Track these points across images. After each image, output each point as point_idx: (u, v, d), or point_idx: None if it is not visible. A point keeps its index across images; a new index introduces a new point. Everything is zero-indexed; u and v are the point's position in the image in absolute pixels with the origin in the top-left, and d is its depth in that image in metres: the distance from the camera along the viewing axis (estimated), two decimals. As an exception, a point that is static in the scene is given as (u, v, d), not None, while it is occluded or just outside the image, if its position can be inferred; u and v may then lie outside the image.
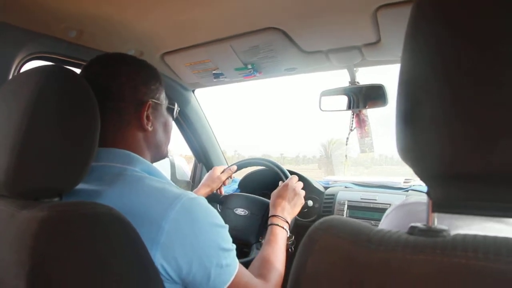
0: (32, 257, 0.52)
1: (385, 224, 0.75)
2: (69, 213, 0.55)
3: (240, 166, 1.55)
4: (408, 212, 0.71)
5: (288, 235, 1.13)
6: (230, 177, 1.52)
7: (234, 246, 0.78)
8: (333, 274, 0.42)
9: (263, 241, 1.40)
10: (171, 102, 0.95)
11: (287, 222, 1.15)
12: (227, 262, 0.74)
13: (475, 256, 0.36)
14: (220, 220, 0.76)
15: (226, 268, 0.73)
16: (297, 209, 1.24)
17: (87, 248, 0.55)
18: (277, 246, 1.04)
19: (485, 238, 0.38)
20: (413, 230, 0.43)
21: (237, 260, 0.78)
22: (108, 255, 0.56)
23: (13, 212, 0.59)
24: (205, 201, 0.75)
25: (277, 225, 1.12)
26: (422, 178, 0.44)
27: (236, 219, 1.44)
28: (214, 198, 1.51)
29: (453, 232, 0.42)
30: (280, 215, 1.16)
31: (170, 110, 0.94)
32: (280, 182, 1.35)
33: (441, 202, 0.42)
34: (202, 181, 1.48)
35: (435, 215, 0.43)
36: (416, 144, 0.40)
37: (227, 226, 0.77)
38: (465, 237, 0.39)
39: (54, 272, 0.52)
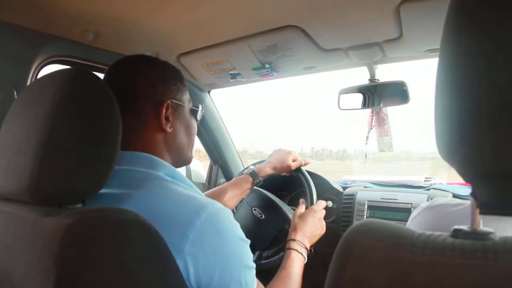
0: (58, 265, 0.51)
1: (413, 226, 0.73)
2: (95, 220, 0.54)
3: None
4: (437, 214, 0.68)
5: (305, 262, 1.09)
6: None
7: (255, 265, 0.76)
8: (376, 279, 0.40)
9: (265, 254, 1.38)
10: (195, 104, 0.92)
11: (306, 248, 1.11)
12: (247, 281, 0.72)
13: None
14: (243, 235, 0.74)
15: (246, 286, 0.71)
16: (317, 239, 1.19)
17: (113, 255, 0.53)
18: (294, 272, 1.01)
19: None
20: (457, 233, 0.40)
21: (256, 280, 0.76)
22: (134, 263, 0.55)
23: (36, 219, 0.58)
24: (231, 213, 0.73)
25: (296, 250, 1.08)
26: (466, 179, 0.41)
27: (251, 219, 1.41)
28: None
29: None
30: (300, 240, 1.11)
31: (193, 112, 0.91)
32: (301, 201, 1.29)
33: (487, 203, 0.40)
34: (270, 158, 1.37)
35: (481, 217, 0.41)
36: (461, 143, 0.38)
37: (249, 241, 0.75)
38: None
39: (81, 280, 0.51)
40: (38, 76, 1.12)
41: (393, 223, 0.46)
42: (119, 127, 0.66)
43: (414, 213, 0.75)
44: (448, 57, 0.39)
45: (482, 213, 0.40)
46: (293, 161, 1.35)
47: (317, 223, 1.19)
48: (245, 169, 1.44)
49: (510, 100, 0.34)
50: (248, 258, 0.74)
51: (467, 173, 0.40)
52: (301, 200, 1.29)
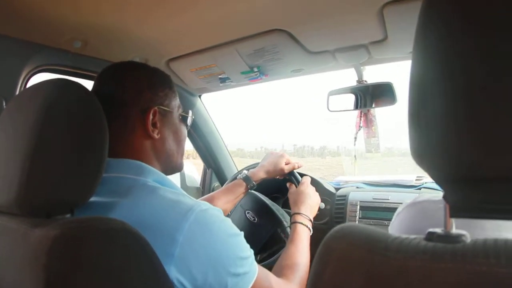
0: (47, 276, 0.51)
1: (396, 223, 0.73)
2: (82, 230, 0.54)
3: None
4: (419, 210, 0.69)
5: (311, 233, 1.11)
6: None
7: (252, 251, 0.76)
8: (352, 283, 0.41)
9: (257, 258, 1.38)
10: (185, 110, 0.92)
11: (310, 220, 1.14)
12: (245, 270, 0.72)
13: (497, 262, 0.35)
14: (235, 229, 0.74)
15: (244, 275, 0.72)
16: (316, 208, 1.23)
17: (102, 265, 0.54)
18: (301, 245, 1.02)
19: (507, 242, 0.36)
20: (431, 236, 0.41)
21: (256, 265, 0.75)
22: (124, 272, 0.55)
23: (25, 230, 0.58)
24: (219, 211, 0.74)
25: (301, 223, 1.10)
26: (438, 182, 0.42)
27: (244, 222, 1.41)
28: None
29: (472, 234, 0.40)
30: (303, 213, 1.14)
31: (183, 118, 0.91)
32: (288, 184, 1.33)
33: (458, 206, 0.41)
34: (263, 161, 1.37)
35: (453, 220, 0.42)
36: (431, 147, 0.39)
37: (242, 233, 0.75)
38: (485, 242, 0.37)
39: (69, 290, 0.52)
40: (27, 86, 1.13)
41: (370, 227, 0.46)
42: (106, 136, 0.67)
43: (398, 209, 0.75)
44: (418, 60, 0.40)
45: (452, 216, 0.41)
46: (286, 164, 1.36)
47: (312, 194, 1.23)
48: (238, 173, 1.45)
49: (476, 105, 0.35)
50: (242, 249, 0.73)
51: (438, 177, 0.41)
52: (288, 184, 1.32)
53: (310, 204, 1.19)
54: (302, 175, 1.50)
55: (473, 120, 0.35)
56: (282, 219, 1.38)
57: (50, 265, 0.52)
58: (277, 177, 1.39)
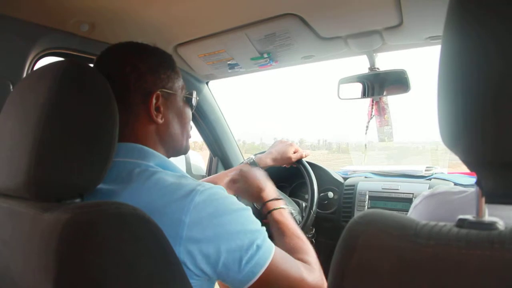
0: (59, 261, 0.50)
1: (414, 214, 0.72)
2: (93, 214, 0.53)
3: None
4: (439, 202, 0.68)
5: (288, 210, 1.02)
6: None
7: (264, 228, 0.73)
8: (381, 270, 0.40)
9: None
10: (189, 91, 0.89)
11: (279, 199, 1.03)
12: (258, 244, 0.69)
13: None
14: (240, 204, 0.72)
15: (258, 250, 0.68)
16: (270, 185, 1.09)
17: (113, 249, 0.53)
18: (294, 229, 0.93)
19: None
20: (462, 223, 0.40)
21: (270, 243, 0.72)
22: (135, 256, 0.54)
23: (35, 215, 0.57)
24: (223, 190, 0.72)
25: (275, 209, 0.99)
26: (471, 167, 0.41)
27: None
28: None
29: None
30: (267, 198, 1.03)
31: (187, 100, 0.88)
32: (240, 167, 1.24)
33: (493, 192, 0.39)
34: (271, 148, 1.35)
35: (486, 206, 0.40)
36: (465, 131, 0.37)
37: (249, 208, 0.73)
38: None
39: (82, 275, 0.51)
40: (34, 69, 1.11)
41: (395, 213, 0.45)
42: (115, 119, 0.65)
43: (416, 201, 0.74)
44: (452, 44, 0.38)
45: (488, 202, 0.40)
46: (294, 153, 1.34)
47: (258, 171, 1.14)
48: (246, 159, 1.43)
49: None
50: (251, 223, 0.71)
51: (472, 162, 0.39)
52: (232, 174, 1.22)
53: (266, 184, 1.07)
54: (310, 164, 1.49)
55: (510, 102, 0.34)
56: (286, 207, 1.36)
57: (62, 249, 0.51)
58: (284, 165, 1.38)
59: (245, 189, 1.12)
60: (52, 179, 0.58)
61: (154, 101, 0.78)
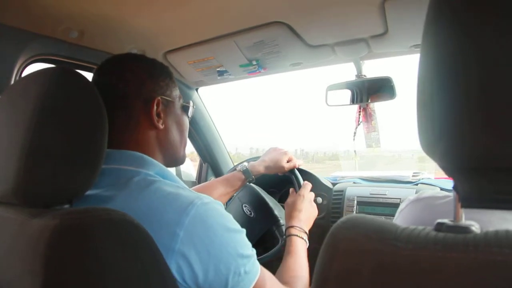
0: (46, 266, 0.50)
1: (400, 219, 0.73)
2: (83, 220, 0.53)
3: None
4: (424, 206, 0.69)
5: (307, 245, 1.10)
6: None
7: (254, 251, 0.75)
8: (362, 274, 0.40)
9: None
10: (186, 100, 0.91)
11: (306, 233, 1.12)
12: (246, 269, 0.70)
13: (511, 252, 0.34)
14: (236, 225, 0.73)
15: (245, 275, 0.70)
16: (312, 221, 1.20)
17: (103, 255, 0.53)
18: (300, 257, 1.02)
19: None
20: (440, 227, 0.41)
21: (258, 266, 0.74)
22: (125, 262, 0.54)
23: (23, 220, 0.57)
24: (220, 206, 0.72)
25: (297, 235, 1.09)
26: (448, 173, 0.42)
27: (240, 215, 1.39)
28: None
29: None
30: (298, 226, 1.12)
31: (184, 108, 0.90)
32: (291, 190, 1.29)
33: (469, 197, 0.40)
34: (264, 156, 1.34)
35: (463, 211, 0.41)
36: (443, 136, 0.38)
37: (244, 230, 0.74)
38: (497, 233, 0.37)
39: (70, 281, 0.51)
40: (22, 75, 1.11)
41: (378, 217, 0.46)
42: (105, 125, 0.66)
43: (401, 205, 0.75)
44: (429, 51, 0.40)
45: (463, 206, 0.41)
46: (287, 161, 1.32)
47: (309, 206, 1.20)
48: (238, 164, 1.42)
49: (489, 94, 0.35)
50: (244, 247, 0.72)
51: (448, 167, 0.41)
52: (291, 190, 1.29)
53: (305, 218, 1.16)
54: (302, 171, 1.48)
55: (487, 109, 0.35)
56: (278, 217, 1.36)
57: (50, 255, 0.50)
58: (277, 173, 1.37)
59: (294, 204, 1.19)
60: (41, 185, 0.58)
61: (155, 106, 0.79)
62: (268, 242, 1.35)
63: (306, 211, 1.18)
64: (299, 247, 1.05)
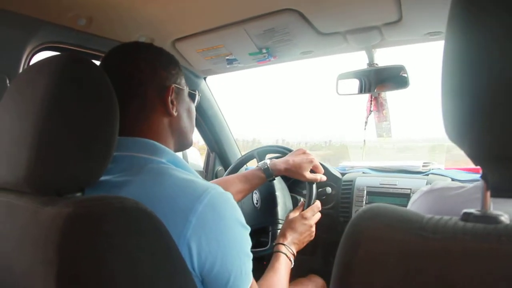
0: (60, 255, 0.50)
1: (413, 210, 0.72)
2: (95, 208, 0.53)
3: (265, 152, 1.45)
4: (437, 197, 0.68)
5: (292, 266, 1.09)
6: None
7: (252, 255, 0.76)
8: (387, 264, 0.40)
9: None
10: (192, 88, 0.93)
11: (293, 254, 1.11)
12: (246, 271, 0.72)
13: None
14: (244, 220, 0.74)
15: (245, 276, 0.72)
16: (304, 245, 1.17)
17: (116, 243, 0.52)
18: (282, 276, 1.02)
19: None
20: (467, 217, 0.40)
21: (250, 273, 0.75)
22: (137, 251, 0.54)
23: (35, 209, 0.57)
24: (232, 198, 0.73)
25: (285, 255, 1.08)
26: (476, 161, 0.41)
27: (248, 202, 1.39)
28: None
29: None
30: (288, 245, 1.11)
31: (191, 96, 0.92)
32: (300, 203, 1.25)
33: (499, 186, 0.39)
34: (289, 156, 1.24)
35: (491, 200, 0.40)
36: (472, 125, 0.37)
37: (249, 228, 0.75)
38: None
39: (82, 269, 0.50)
40: (31, 64, 1.10)
41: (399, 207, 0.45)
42: (116, 112, 0.65)
43: (414, 196, 0.74)
44: (455, 41, 0.38)
45: (493, 195, 0.40)
46: (311, 171, 1.23)
47: (306, 231, 1.17)
48: (260, 163, 1.31)
49: None
50: (248, 245, 0.74)
51: (478, 155, 0.39)
52: (301, 202, 1.26)
53: (298, 241, 1.15)
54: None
55: None
56: (279, 220, 1.34)
57: (64, 243, 0.50)
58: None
59: (292, 223, 1.16)
60: (53, 173, 0.58)
61: (170, 95, 0.81)
62: (262, 236, 1.35)
63: (301, 234, 1.16)
64: (283, 265, 1.05)
